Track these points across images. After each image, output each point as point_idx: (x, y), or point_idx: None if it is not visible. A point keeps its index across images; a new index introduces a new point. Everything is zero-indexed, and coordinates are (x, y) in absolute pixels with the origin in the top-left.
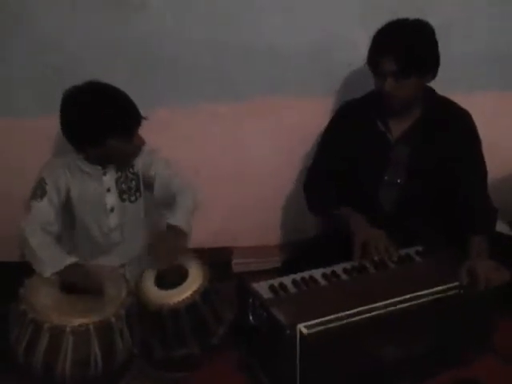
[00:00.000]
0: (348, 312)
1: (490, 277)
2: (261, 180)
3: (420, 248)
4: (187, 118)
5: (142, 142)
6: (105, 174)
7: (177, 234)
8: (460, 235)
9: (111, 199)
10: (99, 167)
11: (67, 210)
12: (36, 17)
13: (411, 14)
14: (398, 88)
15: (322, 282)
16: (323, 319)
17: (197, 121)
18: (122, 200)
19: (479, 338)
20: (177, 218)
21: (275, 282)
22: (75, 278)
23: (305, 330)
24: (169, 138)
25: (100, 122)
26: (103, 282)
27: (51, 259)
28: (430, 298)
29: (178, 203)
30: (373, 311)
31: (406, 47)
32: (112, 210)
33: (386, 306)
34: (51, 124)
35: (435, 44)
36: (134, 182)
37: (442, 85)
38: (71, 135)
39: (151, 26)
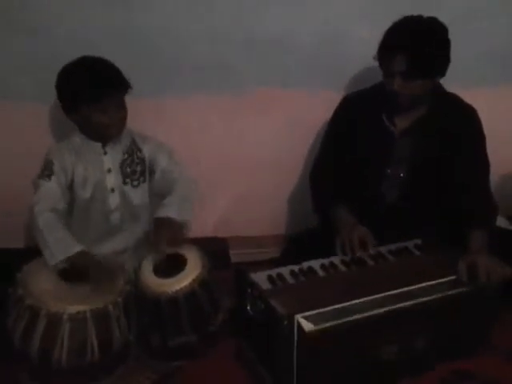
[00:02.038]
0: (346, 304)
1: (490, 271)
2: (261, 171)
3: (419, 241)
4: (188, 108)
5: (121, 115)
6: (105, 153)
7: (169, 224)
8: (461, 230)
9: (112, 180)
10: (100, 146)
11: (69, 195)
12: (37, 4)
13: (414, 10)
14: (406, 87)
15: (321, 273)
16: (321, 310)
17: (197, 112)
18: (125, 183)
19: (478, 333)
20: (167, 210)
21: (273, 272)
22: (83, 265)
23: (304, 322)
24: (169, 129)
25: (70, 88)
26: (115, 270)
27: (59, 245)
28: (431, 293)
29: (171, 195)
30: (372, 304)
31: (418, 49)
32: (112, 190)
33: (385, 300)
34: (50, 110)
35: (447, 44)
36: (139, 167)
37: (444, 81)
38: (59, 100)
39: (152, 17)
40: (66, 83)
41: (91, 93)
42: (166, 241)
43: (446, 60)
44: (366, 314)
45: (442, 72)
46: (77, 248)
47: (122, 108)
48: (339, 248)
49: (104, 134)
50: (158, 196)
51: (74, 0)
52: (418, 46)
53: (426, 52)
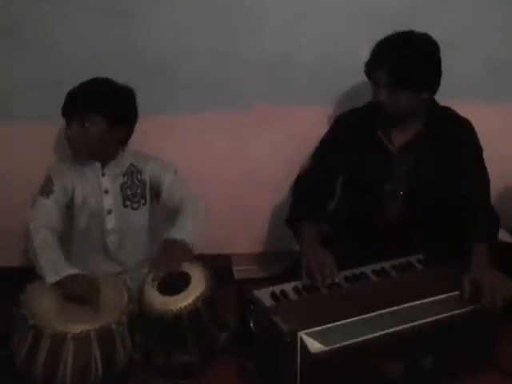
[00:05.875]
0: (350, 320)
1: (494, 288)
2: (263, 187)
3: (421, 256)
4: (190, 125)
5: (86, 139)
6: (103, 175)
7: (177, 247)
8: (462, 245)
9: (109, 201)
10: (99, 167)
11: (68, 215)
12: (37, 20)
13: (413, 26)
14: (390, 100)
15: (323, 289)
16: (324, 327)
17: (199, 129)
18: (125, 206)
19: (482, 351)
20: (176, 232)
21: (276, 289)
22: (73, 289)
23: (307, 339)
24: (171, 145)
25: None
26: (100, 291)
27: (51, 266)
28: (436, 311)
29: (181, 214)
30: (377, 320)
31: (401, 60)
32: (109, 212)
33: (390, 317)
34: (52, 130)
35: (435, 60)
36: (139, 189)
37: (444, 96)
38: None
39: (153, 34)
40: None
41: (64, 103)
42: (176, 262)
43: (433, 75)
44: (370, 331)
45: (431, 87)
46: (68, 271)
47: (86, 130)
48: (304, 271)
49: (74, 151)
50: (167, 214)
51: (75, 17)
52: (400, 56)
53: (408, 63)
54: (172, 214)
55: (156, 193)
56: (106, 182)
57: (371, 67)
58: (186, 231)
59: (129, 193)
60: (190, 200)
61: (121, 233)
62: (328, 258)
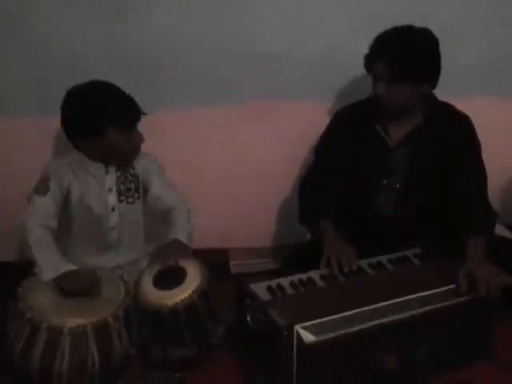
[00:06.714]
0: (346, 314)
1: (489, 282)
2: (261, 182)
3: (418, 250)
4: (186, 121)
5: (141, 139)
6: (107, 173)
7: (180, 245)
8: (459, 240)
9: (113, 199)
10: (102, 165)
11: (65, 211)
12: (36, 18)
13: (412, 22)
14: (389, 93)
15: (320, 283)
16: (321, 320)
17: (195, 124)
18: (120, 201)
19: (478, 344)
20: (177, 233)
21: (273, 283)
22: (71, 283)
23: (303, 333)
24: (167, 141)
25: (99, 110)
26: (99, 280)
27: (48, 263)
28: (431, 303)
29: (176, 221)
30: (372, 314)
31: (400, 53)
32: (113, 209)
33: (385, 310)
34: (51, 124)
35: (434, 54)
36: (133, 184)
37: (441, 90)
38: (72, 128)
39: (151, 30)
40: (90, 108)
41: (120, 115)
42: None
43: (432, 69)
44: (365, 325)
45: (430, 81)
46: (65, 267)
47: (138, 133)
48: (323, 266)
49: (126, 158)
50: (153, 215)
51: (72, 14)
52: (399, 50)
53: (407, 56)
54: (163, 215)
55: (145, 189)
56: (109, 179)
57: (370, 60)
58: (185, 234)
59: (122, 188)
60: (180, 205)
61: (120, 228)
62: (349, 251)
